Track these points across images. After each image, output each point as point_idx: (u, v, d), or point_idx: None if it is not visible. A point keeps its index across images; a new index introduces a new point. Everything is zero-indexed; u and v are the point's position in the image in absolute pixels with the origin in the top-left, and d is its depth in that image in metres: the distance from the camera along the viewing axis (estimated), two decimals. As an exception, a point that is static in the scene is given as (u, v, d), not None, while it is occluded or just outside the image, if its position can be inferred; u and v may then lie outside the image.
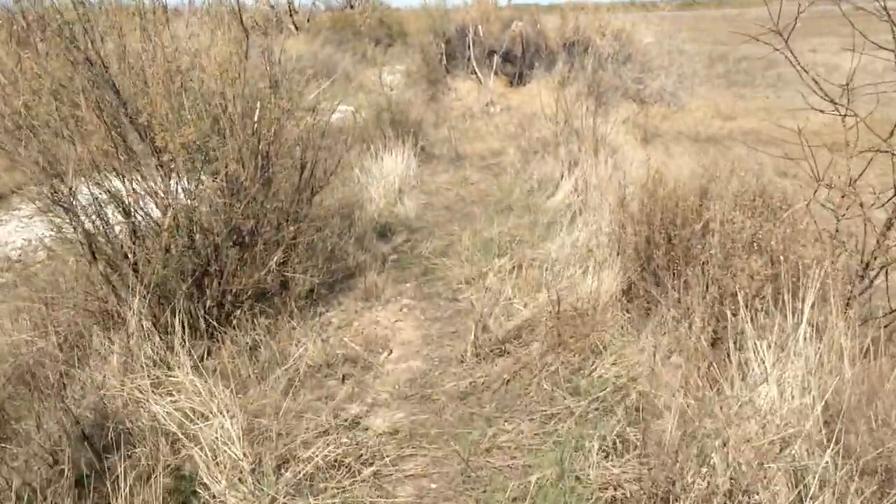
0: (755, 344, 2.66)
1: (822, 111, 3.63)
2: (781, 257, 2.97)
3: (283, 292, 4.34)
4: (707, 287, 3.14)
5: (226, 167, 4.02)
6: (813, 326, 2.72)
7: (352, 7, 31.96)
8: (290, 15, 26.71)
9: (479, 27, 13.33)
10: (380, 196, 6.57)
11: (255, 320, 3.94)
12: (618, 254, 3.88)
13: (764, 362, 2.54)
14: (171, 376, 3.36)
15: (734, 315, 2.86)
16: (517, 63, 14.40)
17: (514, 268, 4.64)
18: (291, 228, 4.12)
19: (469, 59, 13.37)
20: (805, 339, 2.65)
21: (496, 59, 13.18)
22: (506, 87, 14.05)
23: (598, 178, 5.78)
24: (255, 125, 4.16)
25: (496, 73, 13.41)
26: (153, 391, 3.34)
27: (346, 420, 3.12)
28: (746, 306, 2.84)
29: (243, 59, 4.19)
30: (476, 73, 13.27)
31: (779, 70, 19.64)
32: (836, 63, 20.64)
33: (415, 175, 7.39)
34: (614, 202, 4.48)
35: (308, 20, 28.31)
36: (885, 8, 3.26)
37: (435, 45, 13.72)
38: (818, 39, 29.48)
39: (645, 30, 13.53)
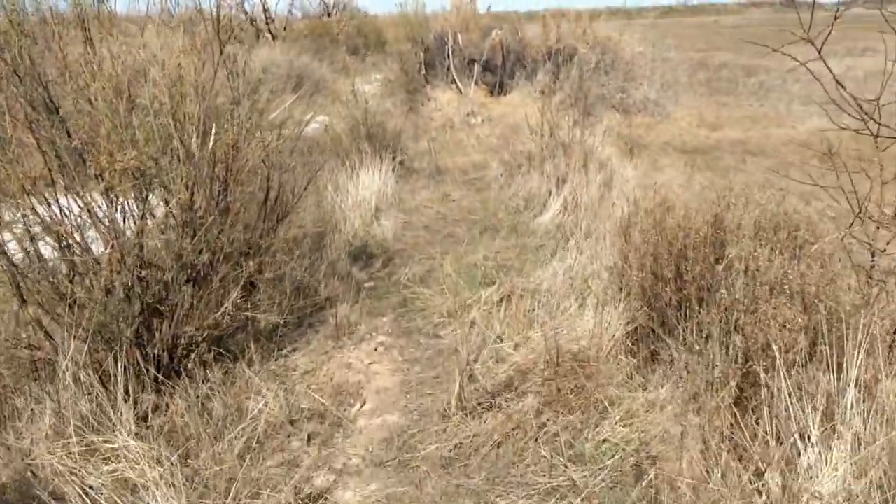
0: (795, 412, 2.23)
1: (852, 128, 3.20)
2: (817, 301, 2.55)
3: (243, 333, 3.85)
4: (729, 335, 2.71)
5: (178, 195, 3.55)
6: (859, 387, 2.30)
7: (329, 15, 31.51)
8: (267, 23, 26.12)
9: (459, 35, 12.91)
10: (355, 216, 6.10)
11: (210, 368, 3.45)
12: (620, 289, 3.44)
13: (811, 442, 2.10)
14: (107, 441, 2.87)
15: (766, 372, 2.43)
16: (497, 72, 14.00)
17: (502, 299, 4.19)
18: (252, 263, 3.64)
19: (449, 69, 12.94)
20: (853, 404, 2.22)
21: (477, 68, 12.75)
22: (486, 96, 13.63)
23: (590, 196, 5.35)
24: (213, 146, 3.68)
25: (476, 83, 12.99)
26: (89, 458, 2.86)
27: (310, 496, 2.64)
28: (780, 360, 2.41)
29: (202, 71, 3.70)
30: (456, 82, 12.84)
31: (759, 78, 19.43)
32: (816, 70, 20.45)
33: (393, 192, 6.93)
34: (613, 229, 4.05)
35: (285, 28, 27.86)
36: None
37: (413, 53, 13.28)
38: (789, 49, 29.38)
39: (629, 38, 13.18)
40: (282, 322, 3.83)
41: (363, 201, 6.34)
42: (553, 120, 7.16)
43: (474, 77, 12.58)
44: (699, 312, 2.98)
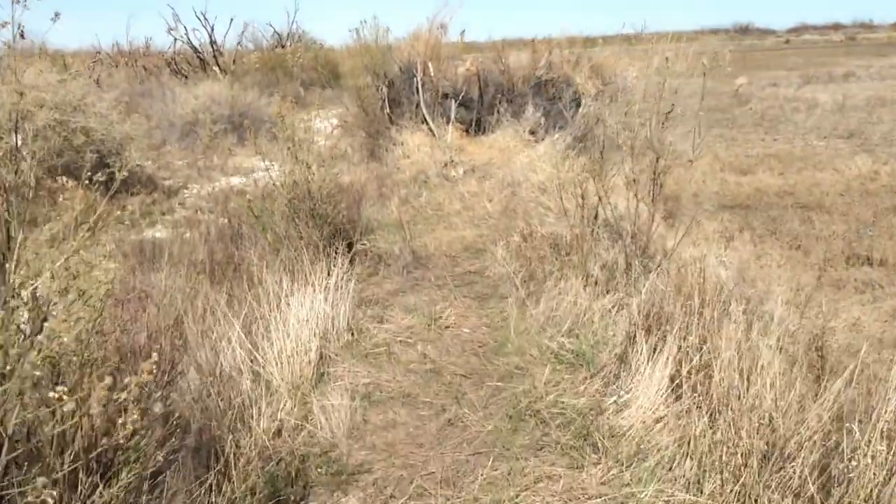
0: None
1: None
2: None
3: None
4: None
5: None
6: None
7: (283, 46, 28.82)
8: (215, 56, 23.34)
9: (429, 66, 10.21)
10: (282, 382, 3.30)
11: None
12: None
13: None
14: None
15: None
16: (474, 107, 11.33)
17: None
18: None
19: (418, 106, 10.22)
20: None
21: (453, 105, 10.04)
22: (462, 136, 10.95)
23: (738, 360, 2.61)
24: None
25: (449, 122, 10.26)
26: None
27: None
28: None
29: None
30: (427, 122, 10.11)
31: (754, 106, 17.10)
32: (812, 98, 18.23)
33: (348, 316, 4.11)
34: None
35: (234, 61, 25.07)
36: None
37: (375, 88, 10.54)
38: (766, 73, 27.32)
39: (632, 66, 10.63)
40: None
41: (298, 346, 3.53)
42: (602, 189, 4.47)
43: (452, 116, 9.87)
44: None
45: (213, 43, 23.92)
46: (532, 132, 10.15)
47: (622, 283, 3.95)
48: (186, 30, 23.95)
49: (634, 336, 3.13)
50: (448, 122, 10.08)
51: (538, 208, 5.87)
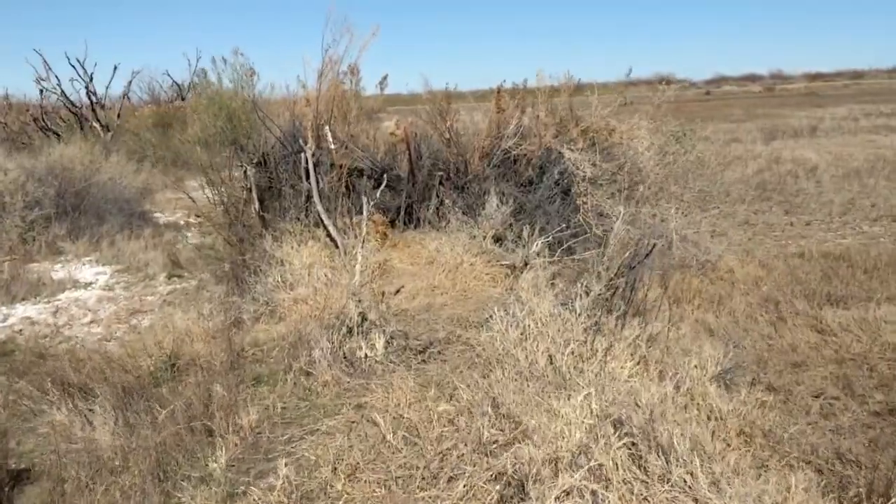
0: None
1: None
2: None
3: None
4: None
5: None
6: None
7: (183, 99, 23.97)
8: (93, 109, 18.07)
9: (328, 133, 5.88)
10: None
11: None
12: None
13: None
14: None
15: None
16: (402, 189, 7.06)
17: None
18: None
19: (309, 198, 5.84)
20: None
21: (365, 200, 5.65)
22: (383, 235, 6.61)
23: None
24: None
25: (357, 217, 5.85)
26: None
27: None
28: None
29: None
30: (325, 225, 5.72)
31: (740, 172, 13.38)
32: (802, 157, 14.80)
33: None
34: None
35: (119, 115, 19.89)
36: None
37: (241, 169, 6.08)
38: (714, 126, 23.99)
39: (640, 131, 6.58)
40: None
41: None
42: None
43: (364, 216, 5.46)
44: None
45: (90, 94, 19.00)
46: (497, 239, 5.91)
47: None
48: (59, 80, 18.92)
49: None
50: (363, 222, 5.70)
51: None
